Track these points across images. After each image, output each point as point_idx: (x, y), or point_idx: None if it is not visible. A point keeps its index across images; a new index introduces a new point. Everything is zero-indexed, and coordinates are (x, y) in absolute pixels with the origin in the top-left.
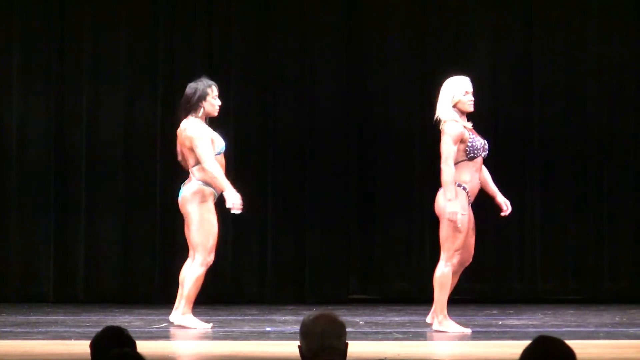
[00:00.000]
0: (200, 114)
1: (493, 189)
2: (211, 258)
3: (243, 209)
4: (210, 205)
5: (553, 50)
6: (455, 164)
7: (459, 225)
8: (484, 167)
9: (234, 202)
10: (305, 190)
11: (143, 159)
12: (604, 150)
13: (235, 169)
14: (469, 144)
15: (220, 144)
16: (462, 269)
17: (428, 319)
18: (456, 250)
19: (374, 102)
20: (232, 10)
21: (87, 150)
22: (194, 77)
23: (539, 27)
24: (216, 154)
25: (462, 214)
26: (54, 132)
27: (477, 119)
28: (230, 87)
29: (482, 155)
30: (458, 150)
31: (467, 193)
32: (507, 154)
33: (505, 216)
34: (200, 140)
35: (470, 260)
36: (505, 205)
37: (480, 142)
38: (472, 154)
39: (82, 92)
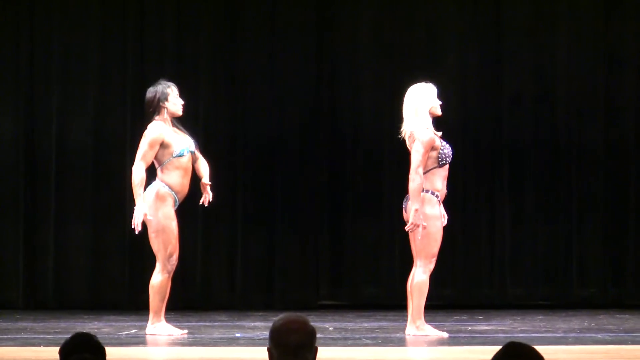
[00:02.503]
0: (164, 116)
1: None
2: (172, 264)
3: (139, 232)
4: (170, 211)
5: (522, 55)
6: (427, 171)
7: (420, 230)
8: None
9: (136, 217)
10: (274, 196)
11: (113, 165)
12: (573, 156)
13: None
14: (441, 151)
15: (180, 146)
16: None
17: (407, 331)
18: (433, 257)
19: (343, 107)
20: (201, 14)
21: (56, 156)
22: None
23: (508, 32)
24: (175, 156)
25: (440, 220)
26: (23, 137)
27: (446, 124)
28: (200, 92)
29: (450, 162)
30: (430, 157)
31: (439, 200)
32: (476, 159)
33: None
34: (143, 141)
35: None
36: (443, 217)
37: (449, 149)
38: (443, 161)
39: (52, 98)
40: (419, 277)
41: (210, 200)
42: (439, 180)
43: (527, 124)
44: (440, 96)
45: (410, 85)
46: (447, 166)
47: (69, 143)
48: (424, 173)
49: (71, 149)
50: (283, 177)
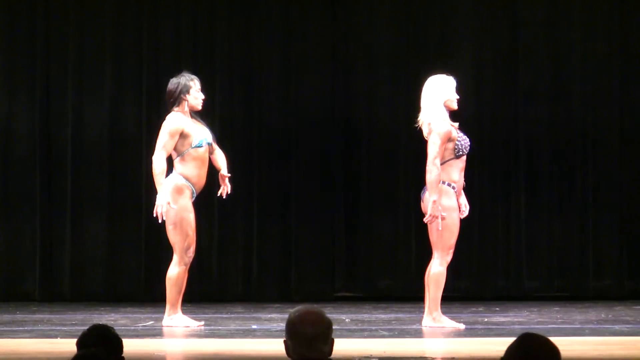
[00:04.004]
0: (184, 108)
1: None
2: (189, 256)
3: (159, 220)
4: (187, 203)
5: (538, 48)
6: (444, 162)
7: (439, 221)
8: None
9: (159, 206)
10: (290, 188)
11: (129, 157)
12: (589, 148)
13: None
14: (458, 142)
15: (199, 137)
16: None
17: (424, 322)
18: (450, 249)
19: (359, 101)
20: (217, 7)
21: (72, 149)
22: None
23: (524, 25)
24: (194, 147)
25: (455, 212)
26: (40, 131)
27: (462, 117)
28: (215, 86)
29: (467, 153)
30: (446, 148)
31: (455, 192)
32: (492, 152)
33: (462, 218)
34: (163, 131)
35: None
36: (465, 207)
37: (466, 140)
38: (460, 152)
39: (68, 91)
40: (436, 269)
41: (229, 192)
42: (456, 172)
43: (542, 117)
44: (456, 89)
45: (426, 79)
46: (464, 157)
47: (85, 136)
48: (441, 164)
49: (87, 141)
50: (299, 170)
